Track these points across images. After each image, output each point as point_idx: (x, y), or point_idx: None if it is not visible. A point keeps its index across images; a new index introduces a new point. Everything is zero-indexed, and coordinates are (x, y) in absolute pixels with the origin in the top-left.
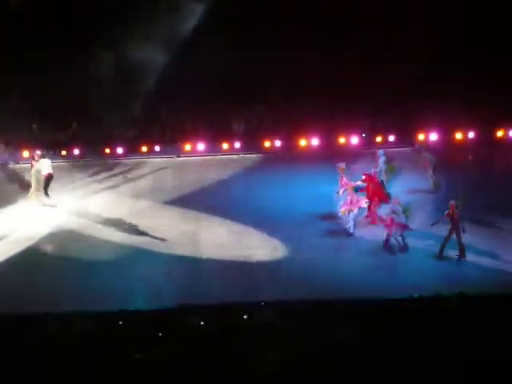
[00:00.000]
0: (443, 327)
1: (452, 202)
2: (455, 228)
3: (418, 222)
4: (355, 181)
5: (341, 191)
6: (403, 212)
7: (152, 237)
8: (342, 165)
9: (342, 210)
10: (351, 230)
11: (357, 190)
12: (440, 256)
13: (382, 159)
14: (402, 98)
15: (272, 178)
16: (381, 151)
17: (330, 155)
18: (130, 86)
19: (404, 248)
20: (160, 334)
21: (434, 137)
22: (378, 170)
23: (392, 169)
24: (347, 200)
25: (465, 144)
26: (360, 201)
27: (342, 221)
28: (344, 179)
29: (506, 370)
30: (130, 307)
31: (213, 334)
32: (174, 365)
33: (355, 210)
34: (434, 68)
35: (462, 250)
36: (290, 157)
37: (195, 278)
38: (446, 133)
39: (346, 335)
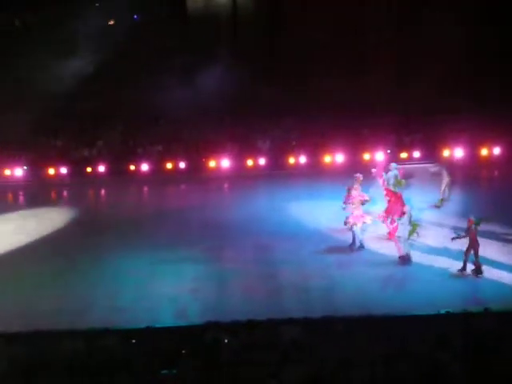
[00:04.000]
0: (471, 344)
1: (470, 218)
2: (472, 244)
3: (430, 237)
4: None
5: (348, 203)
6: (409, 224)
7: (177, 253)
8: (361, 176)
9: (348, 221)
10: (356, 245)
11: (363, 203)
12: (463, 270)
13: (393, 172)
14: (428, 114)
15: (296, 193)
16: (394, 164)
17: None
18: (154, 103)
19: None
20: (184, 351)
21: (459, 153)
22: (385, 179)
23: (400, 183)
24: (353, 213)
25: (490, 160)
26: (364, 216)
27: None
28: (356, 191)
29: None
30: (156, 324)
31: (237, 350)
32: (199, 381)
33: (359, 225)
34: (459, 83)
35: (479, 266)
36: (315, 173)
37: (221, 295)
38: (472, 149)
39: (371, 352)
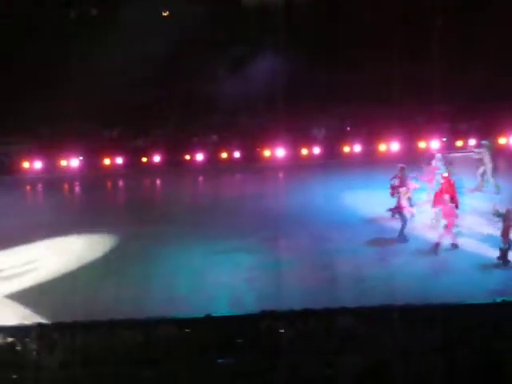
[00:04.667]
0: None
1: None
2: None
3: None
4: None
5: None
6: None
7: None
8: (402, 166)
9: (394, 210)
10: (403, 234)
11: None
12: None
13: (440, 162)
14: (484, 101)
15: (351, 183)
16: (439, 155)
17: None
18: (210, 92)
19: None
20: (239, 340)
21: None
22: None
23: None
24: (398, 202)
25: None
26: (409, 208)
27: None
28: (402, 180)
29: None
30: (213, 313)
31: (293, 339)
32: (255, 370)
33: (407, 214)
34: None
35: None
36: (370, 162)
37: (277, 284)
38: None
39: (427, 341)
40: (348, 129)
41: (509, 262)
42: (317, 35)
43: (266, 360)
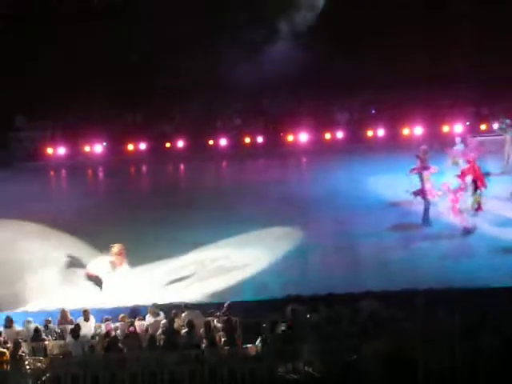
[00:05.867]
0: None
1: None
2: None
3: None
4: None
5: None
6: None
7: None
8: (425, 147)
9: (417, 193)
10: (427, 218)
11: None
12: None
13: (458, 146)
14: (508, 85)
15: (374, 167)
16: (458, 138)
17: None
18: (232, 76)
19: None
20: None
21: None
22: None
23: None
24: (421, 186)
25: None
26: (434, 191)
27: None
28: (423, 163)
29: None
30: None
31: (317, 324)
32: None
33: (430, 197)
34: None
35: None
36: (393, 146)
37: (301, 269)
38: None
39: (451, 325)
40: (373, 111)
41: None
42: (342, 19)
43: (290, 344)
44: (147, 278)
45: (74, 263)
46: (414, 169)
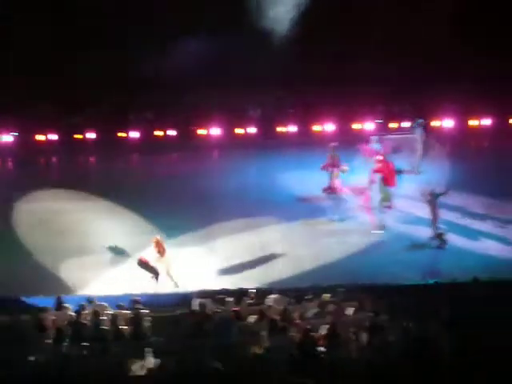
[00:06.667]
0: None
1: (429, 191)
2: (433, 214)
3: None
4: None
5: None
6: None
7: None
8: (335, 144)
9: (327, 190)
10: (337, 214)
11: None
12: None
13: (374, 145)
14: (418, 84)
15: (285, 163)
16: (375, 137)
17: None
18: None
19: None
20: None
21: (448, 123)
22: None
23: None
24: (330, 183)
25: (479, 131)
26: (342, 188)
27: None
28: (333, 160)
29: None
30: None
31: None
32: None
33: (340, 193)
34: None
35: (439, 236)
36: (304, 142)
37: (209, 264)
38: (461, 119)
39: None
40: (289, 110)
41: (445, 242)
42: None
43: None
44: None
45: None
46: (324, 166)
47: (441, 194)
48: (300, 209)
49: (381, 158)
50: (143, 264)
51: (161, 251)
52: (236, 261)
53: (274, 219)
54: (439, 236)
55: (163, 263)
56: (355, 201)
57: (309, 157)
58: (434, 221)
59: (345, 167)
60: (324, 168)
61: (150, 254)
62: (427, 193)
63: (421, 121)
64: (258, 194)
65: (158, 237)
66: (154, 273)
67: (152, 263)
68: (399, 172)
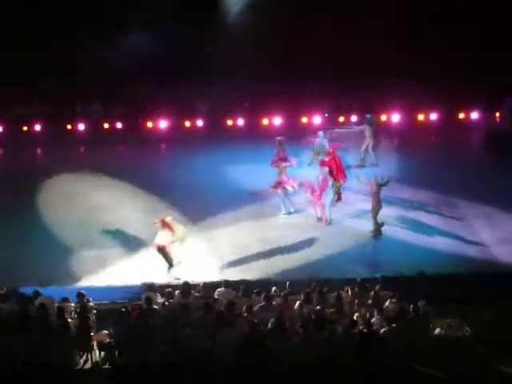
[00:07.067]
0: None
1: (372, 181)
2: (374, 205)
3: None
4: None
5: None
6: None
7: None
8: (281, 138)
9: (274, 185)
10: (286, 209)
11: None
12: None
13: (320, 140)
14: (366, 78)
15: (234, 156)
16: (321, 132)
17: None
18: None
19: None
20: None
21: (396, 118)
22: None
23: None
24: (278, 178)
25: (427, 125)
26: (291, 181)
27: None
28: (281, 155)
29: None
30: None
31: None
32: None
33: (289, 188)
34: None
35: (378, 228)
36: (252, 136)
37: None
38: (409, 114)
39: (304, 314)
40: (246, 104)
41: (380, 232)
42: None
43: None
44: None
45: None
46: (272, 161)
47: (384, 184)
48: (249, 202)
49: (329, 151)
50: (161, 250)
51: (172, 229)
52: (183, 255)
53: (222, 213)
54: (379, 226)
55: (180, 240)
56: (303, 195)
57: (258, 150)
58: (375, 213)
59: (293, 161)
60: (273, 164)
61: (163, 238)
62: (373, 183)
63: (369, 115)
64: (206, 188)
65: (158, 219)
66: (170, 261)
67: (168, 248)
68: (348, 167)
